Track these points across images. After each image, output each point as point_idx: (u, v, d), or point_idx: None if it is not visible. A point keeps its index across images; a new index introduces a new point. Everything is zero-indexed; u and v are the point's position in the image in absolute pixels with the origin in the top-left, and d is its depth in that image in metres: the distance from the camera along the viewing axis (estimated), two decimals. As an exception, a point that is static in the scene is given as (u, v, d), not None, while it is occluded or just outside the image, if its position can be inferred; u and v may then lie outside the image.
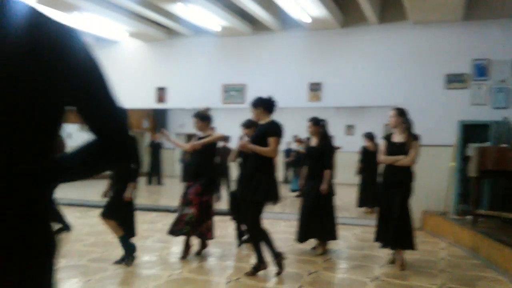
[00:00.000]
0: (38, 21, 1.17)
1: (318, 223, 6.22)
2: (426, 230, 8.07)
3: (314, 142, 6.39)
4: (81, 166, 1.36)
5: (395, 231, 5.44)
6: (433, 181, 8.15)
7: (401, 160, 5.44)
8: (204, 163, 5.82)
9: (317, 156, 6.28)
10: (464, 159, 7.90)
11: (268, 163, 5.12)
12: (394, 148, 5.52)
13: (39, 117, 1.17)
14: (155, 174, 16.02)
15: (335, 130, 16.61)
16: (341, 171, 12.01)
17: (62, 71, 1.18)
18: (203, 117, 5.90)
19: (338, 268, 5.84)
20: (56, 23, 1.20)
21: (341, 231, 7.87)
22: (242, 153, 6.02)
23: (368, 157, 10.38)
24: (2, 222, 1.10)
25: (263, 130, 5.10)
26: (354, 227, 8.43)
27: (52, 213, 4.47)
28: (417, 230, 7.55)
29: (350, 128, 18.13)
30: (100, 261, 5.66)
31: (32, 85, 1.13)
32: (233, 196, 6.45)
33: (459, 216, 7.69)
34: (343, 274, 5.58)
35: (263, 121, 5.19)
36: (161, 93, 10.56)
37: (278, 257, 5.15)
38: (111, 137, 1.33)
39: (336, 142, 13.34)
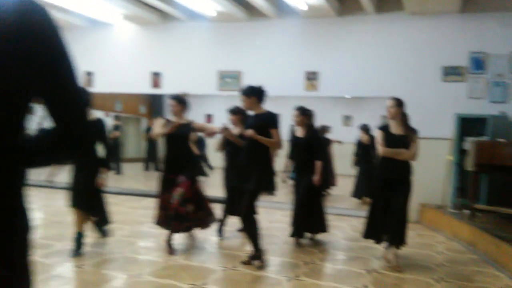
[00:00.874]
0: None
1: (309, 216, 6.11)
2: (423, 223, 8.02)
3: (300, 132, 6.20)
4: (39, 153, 1.28)
5: (397, 229, 5.20)
6: (430, 174, 8.10)
7: (403, 153, 5.16)
8: (185, 154, 5.56)
9: (306, 148, 6.11)
10: (461, 153, 7.89)
11: (267, 153, 5.06)
12: (394, 140, 5.18)
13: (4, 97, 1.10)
14: (152, 160, 15.93)
15: (333, 121, 16.85)
16: (338, 162, 12.05)
17: (27, 50, 1.11)
18: (182, 101, 5.57)
19: (335, 259, 5.78)
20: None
21: (338, 222, 7.88)
22: (230, 143, 5.89)
23: (362, 150, 10.37)
24: None
25: (263, 121, 4.99)
26: (351, 218, 8.39)
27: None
28: (414, 223, 7.57)
29: (347, 119, 18.01)
30: (95, 246, 5.60)
31: None
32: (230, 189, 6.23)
33: (456, 210, 7.66)
34: (340, 265, 5.52)
35: (256, 111, 5.07)
36: (156, 78, 10.38)
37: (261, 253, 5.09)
38: (69, 128, 1.24)
39: (334, 133, 13.47)
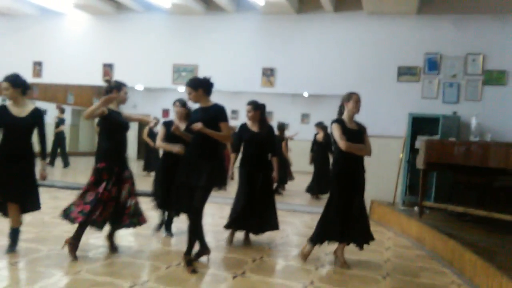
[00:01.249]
0: None
1: (261, 212, 5.89)
2: (374, 219, 8.04)
3: (254, 128, 6.00)
4: None
5: (363, 227, 5.11)
6: (382, 171, 8.16)
7: (364, 149, 5.04)
8: (125, 146, 5.25)
9: (261, 143, 5.94)
10: (412, 151, 7.96)
11: (217, 147, 4.90)
12: (352, 135, 4.99)
13: None
14: None
15: (291, 118, 16.91)
16: (296, 159, 12.07)
17: None
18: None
19: (284, 256, 5.67)
20: None
21: (291, 218, 7.85)
22: (173, 137, 5.62)
23: (319, 147, 10.40)
24: None
25: (212, 114, 4.81)
26: (304, 214, 8.40)
27: None
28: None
29: (305, 117, 18.19)
30: (33, 241, 5.35)
31: None
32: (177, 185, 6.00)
33: (406, 207, 7.74)
34: (289, 261, 5.42)
35: (203, 104, 4.88)
36: (107, 70, 10.08)
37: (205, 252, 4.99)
38: None
39: (291, 131, 13.47)
